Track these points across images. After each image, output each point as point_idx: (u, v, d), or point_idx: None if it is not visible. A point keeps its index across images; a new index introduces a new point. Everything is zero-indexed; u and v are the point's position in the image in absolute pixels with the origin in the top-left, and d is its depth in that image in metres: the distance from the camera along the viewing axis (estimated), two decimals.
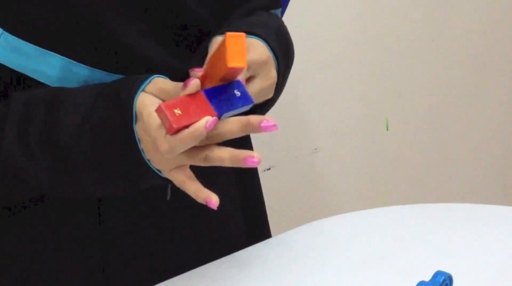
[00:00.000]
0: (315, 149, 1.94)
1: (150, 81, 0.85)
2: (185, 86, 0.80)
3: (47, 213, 0.96)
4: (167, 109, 0.78)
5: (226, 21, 0.97)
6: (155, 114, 0.80)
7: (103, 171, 0.86)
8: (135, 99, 0.83)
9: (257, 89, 0.88)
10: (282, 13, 1.16)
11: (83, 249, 0.97)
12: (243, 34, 0.77)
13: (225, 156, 0.81)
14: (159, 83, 0.85)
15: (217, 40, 0.90)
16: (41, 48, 0.88)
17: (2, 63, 0.88)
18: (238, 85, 0.82)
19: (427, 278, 0.84)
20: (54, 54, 0.88)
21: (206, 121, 0.78)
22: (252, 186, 1.13)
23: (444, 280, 0.83)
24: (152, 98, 0.83)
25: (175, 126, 0.78)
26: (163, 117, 0.79)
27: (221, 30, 0.93)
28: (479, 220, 1.10)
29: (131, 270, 0.99)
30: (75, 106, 0.86)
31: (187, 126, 0.79)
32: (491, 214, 1.12)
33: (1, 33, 0.87)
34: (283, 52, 0.95)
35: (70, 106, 0.86)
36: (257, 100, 0.89)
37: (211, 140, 0.81)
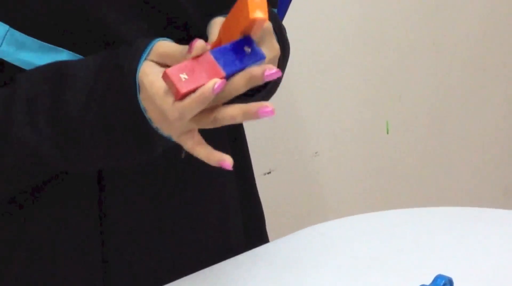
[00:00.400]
0: (316, 153, 1.94)
1: (151, 48, 0.84)
2: (190, 48, 0.79)
3: (47, 212, 0.96)
4: (172, 75, 0.77)
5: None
6: (157, 83, 0.80)
7: (114, 143, 0.85)
8: (138, 70, 0.82)
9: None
10: (283, 15, 1.16)
11: (83, 249, 0.97)
12: None
13: (236, 113, 0.80)
14: (162, 47, 0.83)
15: (215, 22, 0.89)
16: (46, 44, 0.88)
17: (8, 60, 0.88)
18: (248, 42, 0.79)
19: (427, 281, 0.84)
20: (60, 49, 0.88)
21: (214, 83, 0.77)
22: (250, 188, 1.13)
23: (444, 284, 0.83)
24: (153, 67, 0.82)
25: (181, 91, 0.77)
26: (169, 83, 0.78)
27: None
28: (479, 224, 1.10)
29: (131, 271, 1.00)
30: (79, 81, 0.85)
31: (194, 90, 0.77)
32: (491, 218, 1.12)
33: (8, 30, 0.87)
34: (281, 39, 0.93)
35: (74, 82, 0.85)
36: None
37: (216, 101, 0.80)
